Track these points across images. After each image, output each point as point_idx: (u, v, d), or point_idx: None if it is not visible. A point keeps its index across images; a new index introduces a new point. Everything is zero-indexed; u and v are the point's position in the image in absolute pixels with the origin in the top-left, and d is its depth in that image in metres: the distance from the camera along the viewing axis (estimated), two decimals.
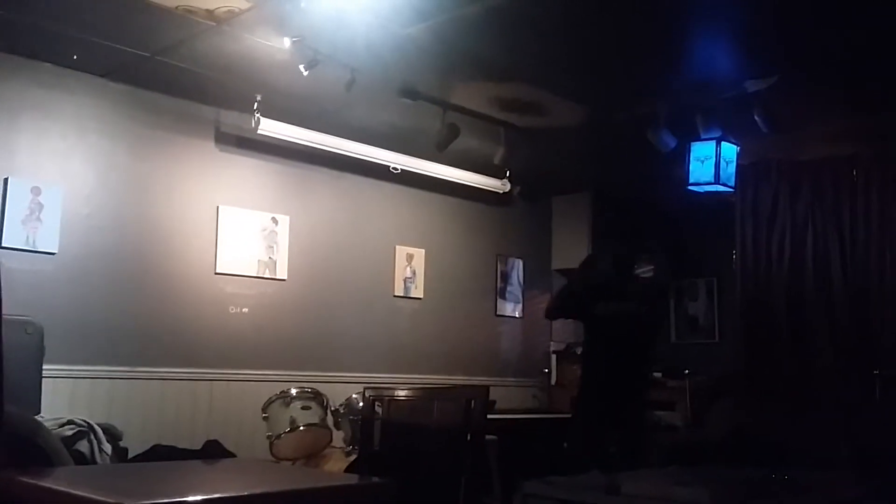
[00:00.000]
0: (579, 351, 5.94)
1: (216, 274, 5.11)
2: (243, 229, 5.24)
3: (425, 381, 5.70)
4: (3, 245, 4.29)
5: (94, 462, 3.69)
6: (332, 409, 4.74)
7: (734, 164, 5.31)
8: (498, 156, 5.55)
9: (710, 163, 5.17)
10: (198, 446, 4.63)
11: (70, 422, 3.78)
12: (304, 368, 5.35)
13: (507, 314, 6.81)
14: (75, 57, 4.44)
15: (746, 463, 4.35)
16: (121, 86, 4.78)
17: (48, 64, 4.52)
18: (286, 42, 4.14)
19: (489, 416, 2.93)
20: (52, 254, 4.48)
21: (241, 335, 5.18)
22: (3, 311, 2.01)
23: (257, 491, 2.15)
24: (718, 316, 7.22)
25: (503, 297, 6.81)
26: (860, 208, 5.66)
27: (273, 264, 5.37)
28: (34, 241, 4.42)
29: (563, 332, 6.84)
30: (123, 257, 4.76)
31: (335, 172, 5.72)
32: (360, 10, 3.80)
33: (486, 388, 2.67)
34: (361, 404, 3.89)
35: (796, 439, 4.99)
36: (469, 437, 2.55)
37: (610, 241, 6.52)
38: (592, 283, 5.04)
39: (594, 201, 6.89)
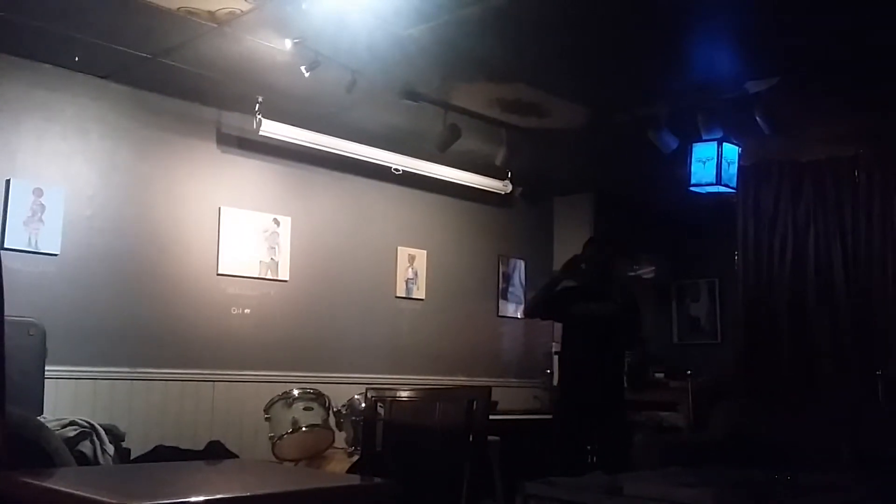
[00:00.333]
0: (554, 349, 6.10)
1: (218, 275, 5.11)
2: (245, 230, 5.25)
3: (427, 381, 5.72)
4: (6, 246, 4.30)
5: (97, 463, 3.69)
6: (335, 409, 4.75)
7: (736, 164, 5.31)
8: (499, 157, 5.54)
9: (712, 164, 5.18)
10: (200, 447, 4.63)
11: (73, 423, 3.77)
12: (306, 369, 5.36)
13: (508, 315, 6.80)
14: (77, 58, 4.44)
15: (749, 464, 4.35)
16: (123, 87, 4.78)
17: (50, 65, 4.52)
18: (287, 43, 4.15)
19: (491, 417, 2.93)
20: (55, 255, 4.49)
21: (243, 336, 5.19)
22: (6, 313, 2.02)
23: (259, 492, 2.15)
24: (720, 317, 7.22)
25: (505, 298, 6.81)
26: (862, 209, 5.67)
27: (275, 265, 5.37)
28: (36, 243, 4.43)
29: None
30: (126, 258, 4.76)
31: (337, 174, 5.73)
32: (362, 12, 3.81)
33: (488, 388, 2.66)
34: (363, 405, 3.90)
35: (799, 440, 4.99)
36: (471, 438, 2.54)
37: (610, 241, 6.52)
38: (565, 285, 5.26)
39: (596, 202, 6.88)
